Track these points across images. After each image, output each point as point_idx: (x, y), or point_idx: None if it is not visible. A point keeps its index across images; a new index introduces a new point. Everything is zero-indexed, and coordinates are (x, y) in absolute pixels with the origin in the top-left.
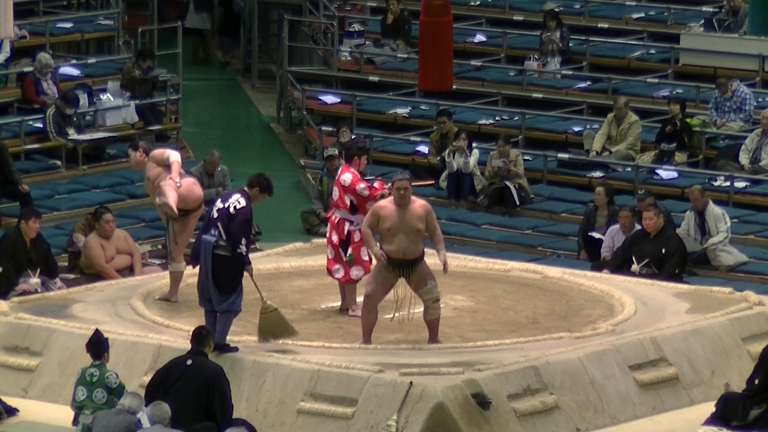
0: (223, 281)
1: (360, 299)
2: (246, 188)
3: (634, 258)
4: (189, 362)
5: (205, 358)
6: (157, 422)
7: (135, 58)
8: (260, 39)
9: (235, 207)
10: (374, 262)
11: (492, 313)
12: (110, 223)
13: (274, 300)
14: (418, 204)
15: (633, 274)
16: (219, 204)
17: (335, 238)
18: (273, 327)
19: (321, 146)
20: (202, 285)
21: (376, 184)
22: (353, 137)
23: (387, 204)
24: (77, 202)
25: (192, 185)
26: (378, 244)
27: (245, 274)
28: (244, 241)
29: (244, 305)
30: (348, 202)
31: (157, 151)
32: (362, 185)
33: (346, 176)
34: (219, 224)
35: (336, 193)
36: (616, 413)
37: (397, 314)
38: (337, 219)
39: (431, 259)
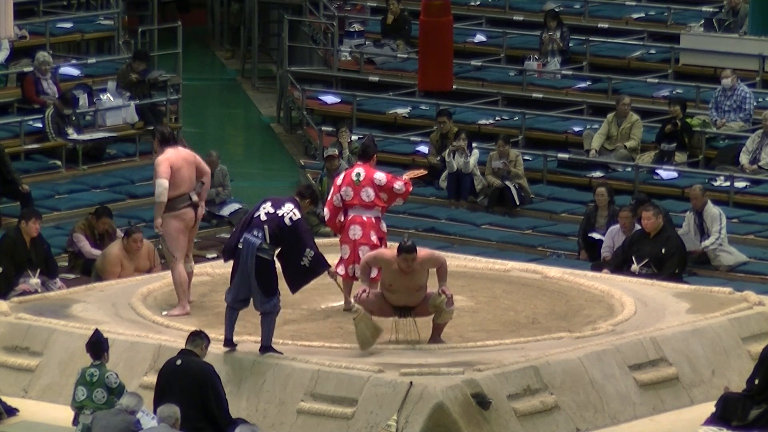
0: (267, 283)
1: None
2: (297, 198)
3: (633, 258)
4: (178, 362)
5: (194, 357)
6: (163, 421)
7: (129, 60)
8: (260, 39)
9: (291, 219)
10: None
11: (492, 313)
12: (138, 243)
13: None
14: (419, 259)
15: (633, 274)
16: (269, 208)
17: (374, 239)
18: (367, 330)
19: (321, 146)
20: (239, 284)
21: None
22: (362, 136)
23: (392, 260)
24: (77, 202)
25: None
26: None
27: (327, 277)
28: (311, 249)
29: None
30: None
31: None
32: (399, 183)
33: (380, 175)
34: (266, 227)
35: (370, 193)
36: (616, 413)
37: (397, 336)
38: (373, 218)
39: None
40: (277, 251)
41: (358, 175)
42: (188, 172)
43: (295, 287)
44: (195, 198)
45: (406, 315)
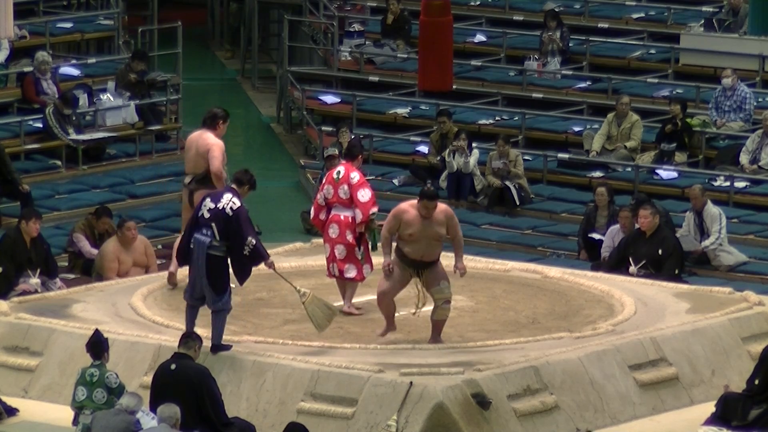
0: (218, 281)
1: (356, 299)
2: (235, 186)
3: (631, 259)
4: (173, 367)
5: (189, 361)
6: (164, 421)
7: (128, 61)
8: (260, 39)
9: (231, 208)
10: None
11: (492, 313)
12: (132, 231)
13: (273, 300)
14: (440, 210)
15: (631, 276)
16: (210, 204)
17: (350, 238)
18: (319, 311)
19: (321, 146)
20: (194, 283)
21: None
22: (362, 136)
23: (409, 209)
24: (77, 202)
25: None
26: (393, 247)
27: (266, 268)
28: (252, 238)
29: (244, 305)
30: None
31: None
32: (366, 192)
33: (355, 174)
34: (213, 225)
35: (346, 191)
36: (616, 413)
37: (419, 309)
38: (350, 218)
39: (445, 261)
40: (226, 246)
41: (339, 173)
42: (191, 155)
43: (242, 279)
44: (186, 180)
45: (420, 273)
